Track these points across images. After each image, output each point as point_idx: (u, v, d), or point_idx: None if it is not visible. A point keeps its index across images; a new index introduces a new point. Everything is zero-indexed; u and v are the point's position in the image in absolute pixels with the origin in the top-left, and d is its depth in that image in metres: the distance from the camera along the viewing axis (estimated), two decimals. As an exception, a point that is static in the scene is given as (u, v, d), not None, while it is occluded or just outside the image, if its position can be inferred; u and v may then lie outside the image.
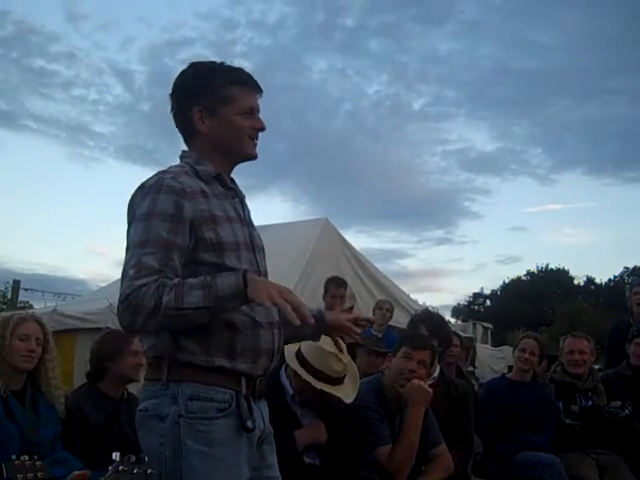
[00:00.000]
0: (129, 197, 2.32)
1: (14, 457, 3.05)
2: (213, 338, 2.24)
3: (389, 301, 8.51)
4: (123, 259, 2.22)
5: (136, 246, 2.18)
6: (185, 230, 2.22)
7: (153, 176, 2.30)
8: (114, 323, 7.45)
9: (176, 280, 2.12)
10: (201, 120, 2.39)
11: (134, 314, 2.10)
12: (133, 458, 1.91)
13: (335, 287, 7.13)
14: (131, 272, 2.13)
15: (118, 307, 2.14)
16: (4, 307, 15.50)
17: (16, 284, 13.40)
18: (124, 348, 4.02)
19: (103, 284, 12.74)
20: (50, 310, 9.00)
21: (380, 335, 7.15)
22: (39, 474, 3.08)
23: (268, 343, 2.35)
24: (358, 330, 2.61)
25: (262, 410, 2.40)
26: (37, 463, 3.10)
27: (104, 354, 4.06)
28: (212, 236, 2.27)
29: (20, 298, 13.69)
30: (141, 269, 2.12)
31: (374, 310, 8.08)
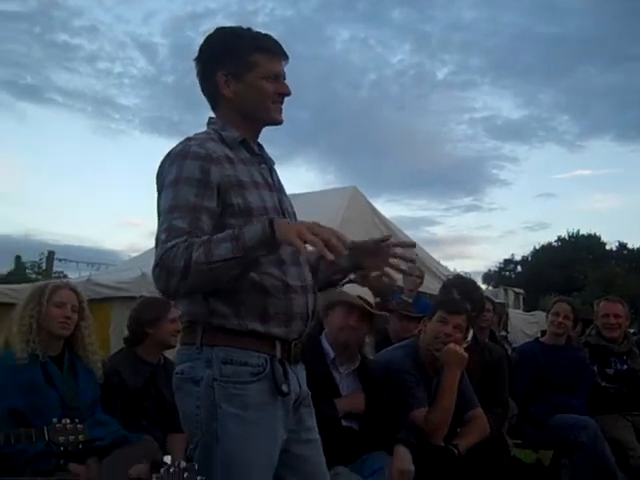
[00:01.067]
0: (157, 166, 2.33)
1: (55, 420, 3.09)
2: (245, 302, 2.24)
3: (419, 267, 8.47)
4: (156, 229, 2.23)
5: (166, 212, 2.19)
6: (213, 194, 2.22)
7: (179, 144, 2.31)
8: (148, 291, 7.52)
9: (204, 237, 2.12)
10: (226, 85, 2.39)
11: (168, 276, 2.10)
12: (184, 464, 1.93)
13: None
14: (162, 236, 2.14)
15: (153, 272, 2.14)
16: (39, 277, 15.71)
17: (50, 255, 13.58)
18: (163, 315, 4.09)
19: (135, 254, 12.86)
20: (84, 280, 9.10)
21: (411, 301, 7.14)
22: (80, 436, 3.12)
23: (301, 307, 2.34)
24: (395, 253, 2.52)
25: (298, 374, 2.40)
26: (78, 426, 3.13)
27: (143, 320, 4.13)
28: (240, 201, 2.27)
29: (55, 269, 13.87)
30: (171, 232, 2.13)
31: (404, 276, 8.05)
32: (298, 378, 2.39)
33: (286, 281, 2.30)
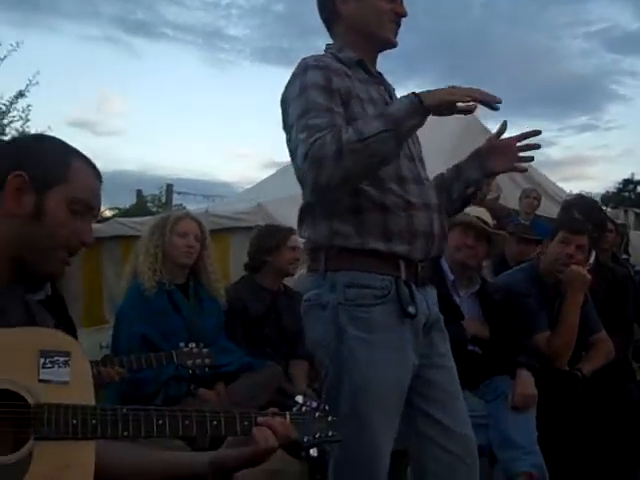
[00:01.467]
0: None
1: (182, 344, 3.19)
2: (366, 220, 2.22)
3: (536, 189, 8.23)
4: (288, 142, 2.26)
5: (300, 117, 2.17)
6: (339, 101, 2.21)
7: (297, 66, 2.31)
8: (264, 222, 7.64)
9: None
10: (343, 3, 2.39)
11: (319, 165, 2.06)
12: (314, 404, 1.96)
13: (483, 178, 6.96)
14: (302, 136, 2.12)
15: (301, 170, 2.12)
16: (160, 210, 16.21)
17: (169, 188, 13.96)
18: (282, 242, 4.16)
19: (248, 186, 13.03)
20: (203, 211, 9.31)
21: (528, 224, 6.98)
22: (206, 360, 3.21)
23: (425, 225, 2.29)
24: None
25: (427, 296, 2.36)
26: (204, 350, 3.21)
27: (263, 248, 4.22)
28: (360, 111, 2.25)
29: (174, 202, 14.25)
30: (311, 130, 2.11)
31: (520, 199, 7.87)
32: (427, 301, 2.35)
33: (407, 198, 2.27)
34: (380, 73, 2.50)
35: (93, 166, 1.82)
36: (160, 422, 1.73)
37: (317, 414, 1.92)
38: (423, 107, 2.07)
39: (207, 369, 3.24)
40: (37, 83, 12.34)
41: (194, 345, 3.19)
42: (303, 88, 2.21)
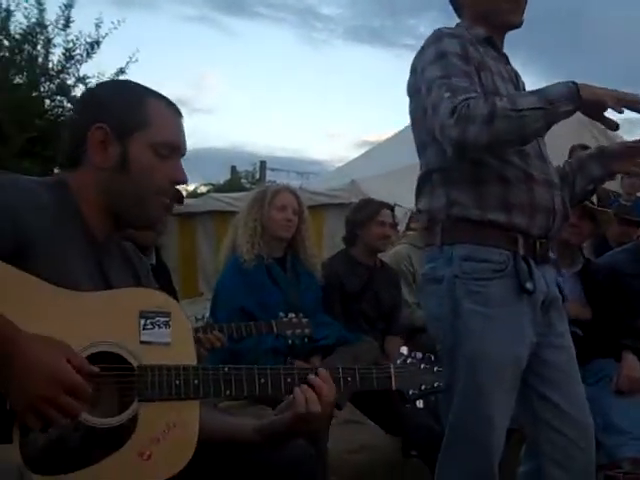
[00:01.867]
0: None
1: (282, 314, 3.22)
2: (485, 191, 2.19)
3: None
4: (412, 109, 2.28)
5: (441, 78, 2.13)
6: (474, 70, 2.20)
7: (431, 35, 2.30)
8: (357, 198, 7.63)
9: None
10: None
11: (467, 124, 2.03)
12: (419, 355, 1.94)
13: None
14: (446, 94, 2.08)
15: (445, 125, 2.07)
16: (253, 187, 16.41)
17: (263, 164, 14.15)
18: (372, 217, 4.13)
19: (339, 164, 13.05)
20: (297, 188, 9.37)
21: (630, 205, 6.75)
22: (306, 330, 3.22)
23: (546, 200, 2.25)
24: None
25: (546, 274, 2.31)
26: (303, 320, 3.23)
27: (354, 221, 4.22)
28: (490, 84, 2.23)
29: (267, 178, 14.40)
30: (456, 90, 2.09)
31: (622, 180, 7.61)
32: (546, 278, 2.30)
33: (528, 171, 2.23)
34: (506, 54, 2.46)
35: (171, 103, 1.80)
36: (262, 380, 1.75)
37: (422, 366, 1.93)
38: (579, 97, 2.04)
39: (306, 339, 3.25)
40: (137, 61, 12.58)
41: (293, 315, 3.20)
42: (441, 54, 2.18)
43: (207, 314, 3.56)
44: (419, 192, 2.35)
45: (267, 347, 3.43)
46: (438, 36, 2.24)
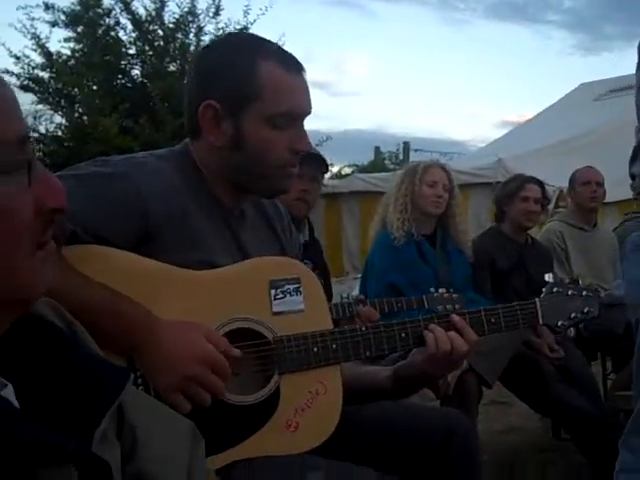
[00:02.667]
0: None
1: (433, 290, 3.21)
2: None
3: None
4: None
5: None
6: None
7: None
8: (503, 177, 7.50)
9: None
10: None
11: None
12: (567, 280, 1.89)
13: None
14: None
15: None
16: (397, 167, 16.42)
17: (406, 145, 14.14)
18: (516, 193, 4.05)
19: (481, 144, 12.83)
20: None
21: None
22: (456, 305, 3.20)
23: None
24: None
25: None
26: (454, 295, 3.20)
27: (501, 197, 4.17)
28: None
29: (410, 159, 14.38)
30: None
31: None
32: None
33: None
34: None
35: (288, 62, 1.63)
36: (403, 335, 1.71)
37: (570, 292, 1.86)
38: None
39: (456, 315, 3.24)
40: (284, 44, 12.84)
41: (444, 290, 3.20)
42: None
43: (353, 293, 3.61)
44: (634, 157, 2.21)
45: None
46: None
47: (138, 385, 1.49)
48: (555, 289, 1.86)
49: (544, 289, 1.87)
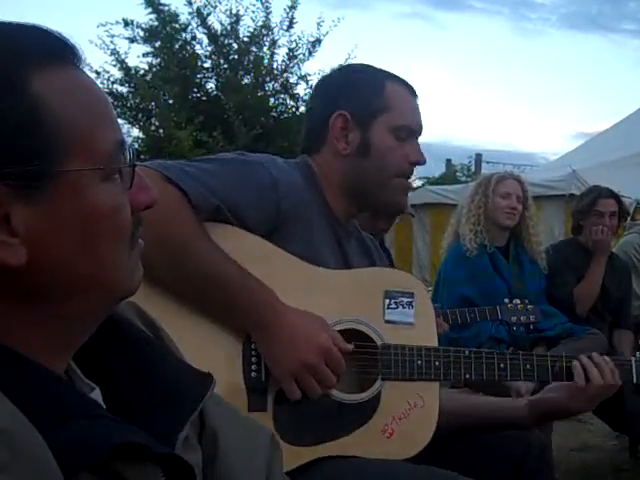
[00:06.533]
0: None
1: (507, 300, 3.18)
2: None
3: None
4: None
5: None
6: None
7: None
8: (577, 189, 7.36)
9: None
10: None
11: None
12: None
13: None
14: None
15: None
16: (469, 180, 16.30)
17: (479, 157, 13.99)
18: (590, 207, 4.00)
19: (554, 156, 12.61)
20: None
21: None
22: (531, 317, 3.16)
23: None
24: None
25: None
26: (529, 306, 3.17)
27: (576, 211, 4.13)
28: None
29: (482, 171, 14.24)
30: None
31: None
32: None
33: None
34: None
35: (407, 85, 1.81)
36: (502, 365, 1.74)
37: None
38: None
39: (531, 327, 3.20)
40: (355, 57, 12.89)
41: (518, 301, 3.16)
42: None
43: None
44: None
45: (487, 336, 3.40)
46: None
47: (252, 363, 1.56)
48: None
49: (637, 353, 1.91)
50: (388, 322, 1.67)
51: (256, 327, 1.54)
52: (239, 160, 1.67)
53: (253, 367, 1.57)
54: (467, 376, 1.72)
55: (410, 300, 1.69)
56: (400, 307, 1.68)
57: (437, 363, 1.68)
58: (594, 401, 1.81)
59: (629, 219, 5.83)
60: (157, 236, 1.36)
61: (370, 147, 1.74)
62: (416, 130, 1.79)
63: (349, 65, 2.06)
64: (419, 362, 1.66)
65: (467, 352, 1.74)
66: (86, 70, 0.83)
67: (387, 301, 1.67)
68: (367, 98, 1.75)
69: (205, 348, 1.53)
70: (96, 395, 0.86)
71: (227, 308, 1.53)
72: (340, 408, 1.61)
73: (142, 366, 0.90)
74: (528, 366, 1.77)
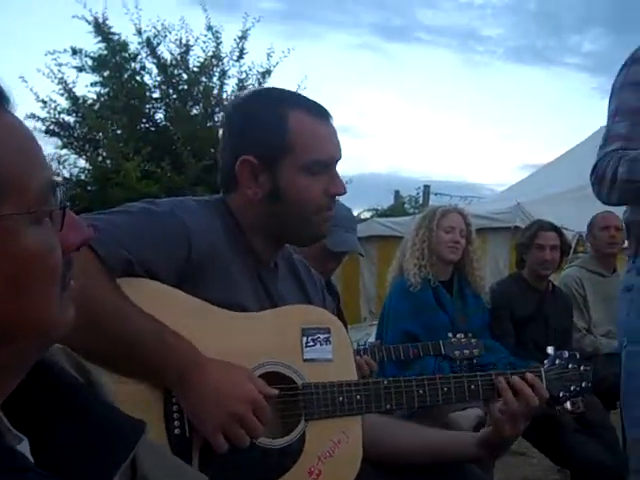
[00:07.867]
0: None
1: (450, 335, 3.17)
2: None
3: None
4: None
5: (609, 117, 2.21)
6: None
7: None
8: (522, 221, 7.48)
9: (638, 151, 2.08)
10: None
11: (600, 184, 2.16)
12: (566, 354, 1.92)
13: None
14: (602, 142, 2.19)
15: (590, 177, 2.21)
16: (416, 212, 16.46)
17: (427, 189, 14.11)
18: (532, 241, 4.05)
19: (501, 188, 12.82)
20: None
21: None
22: (475, 351, 3.15)
23: None
24: None
25: None
26: (472, 340, 3.16)
27: (519, 244, 4.19)
28: None
29: (430, 203, 14.38)
30: (609, 137, 2.17)
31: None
32: None
33: None
34: None
35: (316, 109, 1.69)
36: (421, 392, 1.73)
37: (570, 365, 1.90)
38: None
39: (474, 361, 3.20)
40: (305, 88, 12.98)
41: (462, 336, 3.16)
42: (622, 85, 2.20)
43: (369, 340, 3.57)
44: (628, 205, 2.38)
45: (429, 373, 3.39)
46: (631, 60, 2.21)
47: (174, 419, 1.52)
48: (557, 361, 1.91)
49: (546, 361, 1.91)
50: (307, 360, 1.65)
51: (177, 383, 1.49)
52: (147, 211, 1.60)
53: (176, 423, 1.52)
54: (388, 407, 1.71)
55: (327, 336, 1.68)
56: (318, 344, 1.66)
57: (358, 397, 1.67)
58: (517, 421, 1.76)
59: (571, 252, 5.92)
60: None
61: (282, 191, 1.65)
62: (330, 161, 1.69)
63: (252, 94, 1.90)
64: (340, 398, 1.65)
65: (386, 382, 1.72)
66: (15, 112, 0.82)
67: (304, 339, 1.65)
68: (269, 138, 1.65)
69: (126, 408, 1.49)
70: (24, 447, 0.83)
71: (148, 366, 1.47)
72: (266, 454, 1.58)
73: (74, 413, 0.88)
74: (445, 389, 1.75)
